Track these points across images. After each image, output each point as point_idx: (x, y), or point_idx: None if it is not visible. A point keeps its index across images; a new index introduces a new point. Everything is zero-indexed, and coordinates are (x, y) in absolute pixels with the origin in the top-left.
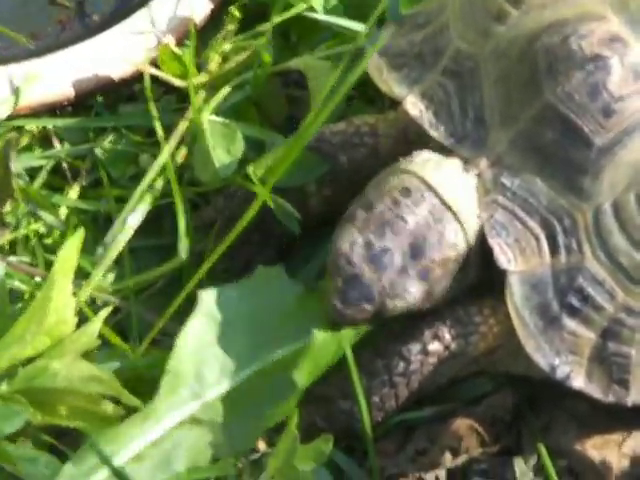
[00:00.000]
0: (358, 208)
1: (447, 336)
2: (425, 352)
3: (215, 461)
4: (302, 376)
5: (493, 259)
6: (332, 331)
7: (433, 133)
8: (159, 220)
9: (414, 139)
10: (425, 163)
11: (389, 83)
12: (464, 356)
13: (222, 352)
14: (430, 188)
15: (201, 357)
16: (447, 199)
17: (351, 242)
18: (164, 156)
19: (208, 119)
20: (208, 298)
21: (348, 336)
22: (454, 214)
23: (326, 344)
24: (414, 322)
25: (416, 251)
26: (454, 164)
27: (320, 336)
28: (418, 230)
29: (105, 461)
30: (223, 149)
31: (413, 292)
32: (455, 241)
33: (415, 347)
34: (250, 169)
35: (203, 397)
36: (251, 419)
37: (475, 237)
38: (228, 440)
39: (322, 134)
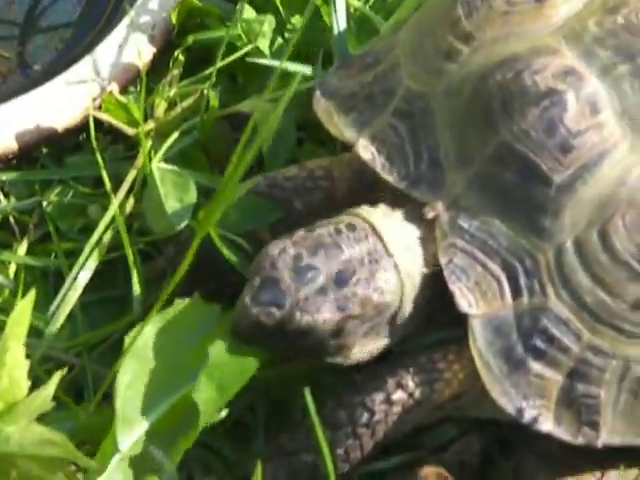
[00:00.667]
0: (301, 229)
1: (411, 384)
2: (389, 402)
3: None
4: (201, 398)
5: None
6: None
7: (387, 177)
8: (111, 272)
9: (370, 181)
10: (376, 211)
11: (339, 127)
12: (429, 403)
13: (143, 391)
14: (375, 233)
15: (127, 399)
16: (390, 247)
17: (281, 249)
18: (113, 207)
19: (158, 167)
20: (131, 340)
21: (250, 354)
22: (394, 264)
23: (225, 362)
24: (376, 371)
25: (341, 280)
26: (405, 214)
27: (216, 353)
28: (350, 262)
29: None
30: (175, 199)
31: (325, 315)
32: (384, 288)
33: (378, 397)
34: (201, 215)
35: (130, 439)
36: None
37: (420, 288)
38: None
39: (274, 180)
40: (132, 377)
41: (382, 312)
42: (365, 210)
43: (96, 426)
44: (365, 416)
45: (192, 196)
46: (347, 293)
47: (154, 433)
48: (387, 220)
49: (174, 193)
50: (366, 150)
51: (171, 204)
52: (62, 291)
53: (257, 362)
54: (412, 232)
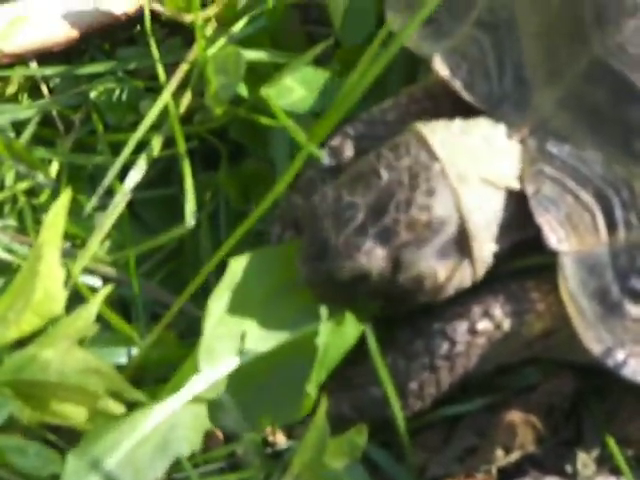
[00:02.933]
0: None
1: (499, 313)
2: (473, 332)
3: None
4: (312, 381)
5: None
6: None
7: (466, 96)
8: (164, 175)
9: None
10: (435, 122)
11: (416, 40)
12: (517, 338)
13: (238, 327)
14: (422, 144)
15: (219, 334)
16: (437, 152)
17: (322, 196)
18: (165, 96)
19: (215, 55)
20: (236, 267)
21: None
22: (440, 170)
23: (336, 330)
24: (460, 298)
25: (379, 210)
26: (480, 127)
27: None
28: (389, 186)
29: (94, 465)
30: (223, 72)
31: (367, 254)
32: (429, 202)
33: (461, 326)
34: (263, 90)
35: (210, 375)
36: (260, 404)
37: (494, 202)
38: (231, 423)
39: (372, 117)
40: (222, 312)
41: (439, 229)
42: (421, 123)
43: (154, 359)
44: (445, 346)
45: (241, 67)
46: (387, 222)
47: (242, 381)
48: (446, 131)
49: (222, 67)
50: (444, 66)
51: (219, 79)
52: (100, 192)
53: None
54: (477, 146)
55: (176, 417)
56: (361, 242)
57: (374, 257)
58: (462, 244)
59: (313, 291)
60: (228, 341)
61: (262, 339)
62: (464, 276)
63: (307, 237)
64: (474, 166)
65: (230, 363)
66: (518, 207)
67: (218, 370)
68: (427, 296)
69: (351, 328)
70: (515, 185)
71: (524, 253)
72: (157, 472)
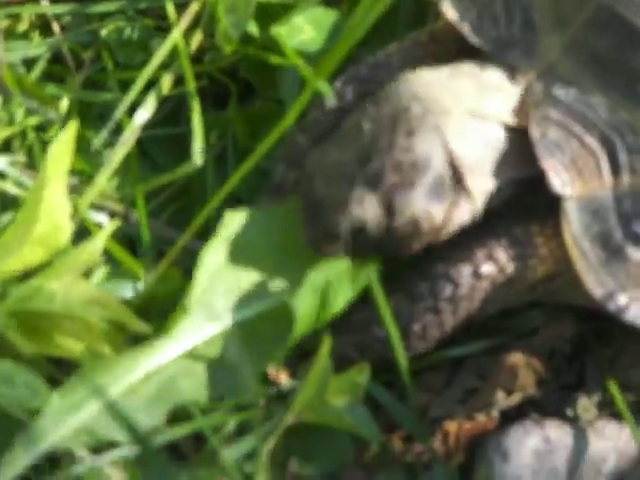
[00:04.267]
0: None
1: (502, 257)
2: (477, 275)
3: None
4: (300, 301)
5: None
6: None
7: (473, 40)
8: (173, 114)
9: None
10: (428, 69)
11: None
12: (520, 281)
13: (237, 283)
14: (404, 86)
15: (213, 286)
16: (422, 96)
17: (312, 157)
18: (175, 35)
19: None
20: (232, 221)
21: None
22: (424, 109)
23: (330, 277)
24: (464, 242)
25: (365, 158)
26: (470, 68)
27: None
28: (372, 136)
29: (96, 392)
30: (233, 10)
31: (359, 203)
32: (409, 142)
33: (465, 269)
34: (274, 29)
35: (209, 329)
36: (259, 357)
37: (491, 143)
38: (232, 378)
39: (376, 61)
40: (219, 261)
41: (425, 168)
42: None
43: (160, 293)
44: (448, 289)
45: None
46: (373, 168)
47: (237, 334)
48: (431, 72)
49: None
50: (452, 10)
51: (229, 17)
52: (109, 128)
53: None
54: (473, 85)
55: (175, 366)
56: (352, 192)
57: (366, 204)
58: (455, 181)
59: (317, 252)
60: (222, 295)
61: (258, 295)
62: (462, 213)
63: (303, 199)
64: (459, 102)
65: (227, 320)
66: (517, 144)
67: (216, 323)
68: (427, 239)
69: (356, 271)
70: (508, 120)
71: (528, 197)
72: (155, 417)
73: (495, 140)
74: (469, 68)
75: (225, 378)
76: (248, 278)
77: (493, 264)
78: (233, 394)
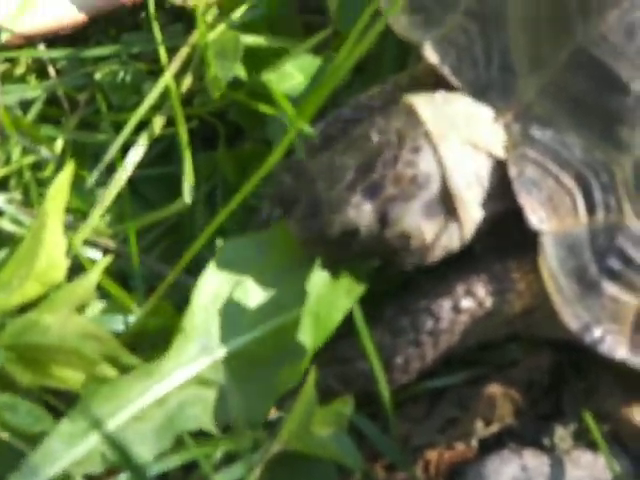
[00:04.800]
0: None
1: (481, 292)
2: (457, 309)
3: (224, 427)
4: (306, 335)
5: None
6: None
7: (454, 82)
8: (164, 154)
9: None
10: (426, 94)
11: (406, 27)
12: (499, 315)
13: (235, 309)
14: (409, 108)
15: (212, 313)
16: (423, 117)
17: (316, 161)
18: (166, 78)
19: (214, 40)
20: (226, 249)
21: (348, 288)
22: (424, 132)
23: (326, 298)
24: (443, 278)
25: (368, 166)
26: (462, 99)
27: (316, 290)
28: (379, 147)
29: (96, 425)
30: (222, 55)
31: (355, 206)
32: (413, 159)
33: (446, 303)
34: (265, 75)
35: (211, 356)
36: (263, 382)
37: (477, 169)
38: (238, 404)
39: (358, 102)
40: (216, 288)
41: (424, 185)
42: (419, 95)
43: (151, 326)
44: (429, 323)
45: (239, 49)
46: (375, 177)
47: (239, 357)
48: (428, 97)
49: (221, 51)
50: (433, 53)
51: (218, 62)
52: (102, 168)
53: (356, 292)
54: (463, 115)
55: (180, 394)
56: (350, 197)
57: (362, 211)
58: (447, 204)
59: (306, 251)
60: (225, 321)
61: (253, 319)
62: (452, 238)
63: (300, 198)
64: (455, 129)
65: (229, 346)
66: (500, 178)
67: (214, 349)
68: (415, 256)
69: (342, 298)
70: (497, 152)
71: (506, 232)
72: (162, 444)
73: (485, 171)
74: (459, 99)
75: (233, 404)
76: (247, 302)
77: (472, 299)
78: (241, 419)
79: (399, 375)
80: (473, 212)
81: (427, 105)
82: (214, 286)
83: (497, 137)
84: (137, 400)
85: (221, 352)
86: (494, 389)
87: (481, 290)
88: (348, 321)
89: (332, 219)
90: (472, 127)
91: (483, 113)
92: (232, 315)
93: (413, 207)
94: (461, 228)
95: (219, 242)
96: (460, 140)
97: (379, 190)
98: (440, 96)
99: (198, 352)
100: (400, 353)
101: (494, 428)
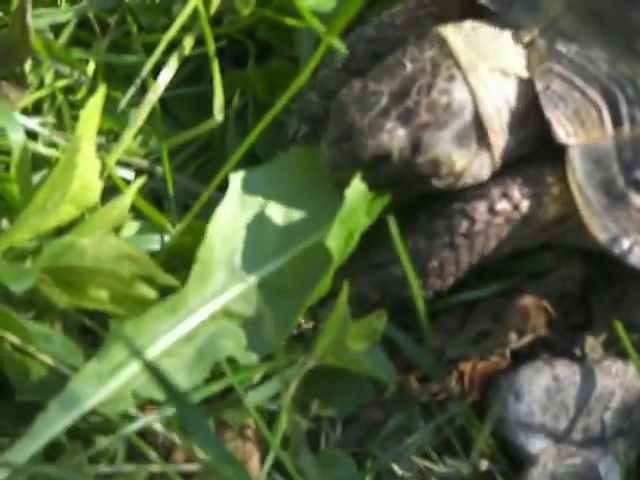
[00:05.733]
0: None
1: (517, 195)
2: (492, 211)
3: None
4: (335, 242)
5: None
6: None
7: None
8: (195, 74)
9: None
10: (455, 24)
11: None
12: (534, 220)
13: (255, 238)
14: (441, 39)
15: (233, 244)
16: (454, 48)
17: (349, 87)
18: None
19: None
20: (239, 181)
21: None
22: (455, 63)
23: (356, 207)
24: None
25: (402, 93)
26: (486, 26)
27: (350, 199)
28: (413, 74)
29: (136, 355)
30: None
31: (389, 132)
32: (447, 87)
33: (481, 205)
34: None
35: (235, 287)
36: (288, 307)
37: (506, 95)
38: (265, 332)
39: (381, 21)
40: (234, 220)
41: (457, 113)
42: (444, 26)
43: (186, 245)
44: (465, 224)
45: None
46: (409, 104)
47: (264, 285)
48: (459, 30)
49: None
50: None
51: None
52: (134, 89)
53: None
54: (490, 45)
55: (208, 327)
56: (384, 122)
57: (396, 136)
58: (479, 132)
59: (335, 175)
60: (247, 252)
61: (276, 246)
62: (481, 167)
63: (333, 123)
64: (484, 57)
65: (253, 276)
66: (530, 100)
67: (239, 280)
68: (444, 183)
69: (369, 206)
70: (524, 74)
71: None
72: (194, 378)
73: (514, 95)
74: (484, 26)
75: (255, 333)
76: (266, 232)
77: (508, 201)
78: (263, 349)
79: (434, 280)
80: (504, 140)
81: (457, 35)
82: (230, 217)
83: (523, 60)
84: (165, 336)
85: (247, 282)
86: (527, 300)
87: (517, 193)
88: (382, 229)
89: (365, 143)
90: (500, 53)
91: (508, 37)
92: (254, 244)
93: (446, 135)
94: (491, 156)
95: (230, 176)
96: (489, 67)
97: (413, 116)
98: (468, 25)
99: (222, 285)
100: (435, 256)
101: (527, 339)
